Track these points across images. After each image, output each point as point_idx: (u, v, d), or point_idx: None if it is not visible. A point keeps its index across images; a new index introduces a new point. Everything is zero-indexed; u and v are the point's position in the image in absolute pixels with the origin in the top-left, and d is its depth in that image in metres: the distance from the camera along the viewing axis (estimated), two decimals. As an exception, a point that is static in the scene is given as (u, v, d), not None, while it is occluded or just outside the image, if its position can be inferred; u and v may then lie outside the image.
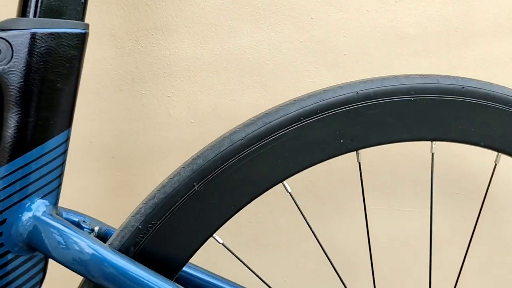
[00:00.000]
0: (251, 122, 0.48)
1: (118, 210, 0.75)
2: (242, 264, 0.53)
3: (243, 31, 0.71)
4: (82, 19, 0.44)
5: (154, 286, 0.42)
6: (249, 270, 0.54)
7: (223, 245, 0.50)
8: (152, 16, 0.70)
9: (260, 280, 0.55)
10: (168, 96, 0.73)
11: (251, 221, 0.80)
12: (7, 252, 0.42)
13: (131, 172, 0.75)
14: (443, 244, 0.81)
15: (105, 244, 0.43)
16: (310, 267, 0.82)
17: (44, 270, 0.44)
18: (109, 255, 0.42)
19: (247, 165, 0.48)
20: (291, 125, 0.47)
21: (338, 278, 0.58)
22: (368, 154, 0.76)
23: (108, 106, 0.72)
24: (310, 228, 0.54)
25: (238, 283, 0.59)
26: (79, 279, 0.46)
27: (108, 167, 0.75)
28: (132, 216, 0.46)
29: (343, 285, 0.58)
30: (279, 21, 0.71)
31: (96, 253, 0.42)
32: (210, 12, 0.70)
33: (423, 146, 0.56)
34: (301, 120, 0.47)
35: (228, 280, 0.58)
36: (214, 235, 0.49)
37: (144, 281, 0.42)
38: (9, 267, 0.42)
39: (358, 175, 0.52)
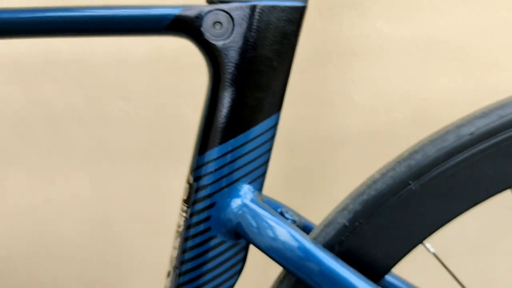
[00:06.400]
0: (482, 115, 0.41)
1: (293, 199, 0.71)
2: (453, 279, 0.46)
3: (445, 9, 0.62)
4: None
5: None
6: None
7: (434, 255, 0.43)
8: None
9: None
10: (353, 81, 0.67)
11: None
12: (213, 237, 0.40)
13: (308, 160, 0.71)
14: None
15: (312, 239, 0.40)
16: None
17: (244, 259, 0.42)
18: (317, 251, 0.38)
19: (474, 165, 0.40)
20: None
21: None
22: None
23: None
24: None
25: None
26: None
27: (284, 154, 0.72)
28: (338, 212, 0.42)
29: None
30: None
31: (304, 248, 0.38)
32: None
33: None
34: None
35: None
36: (424, 242, 0.42)
37: (350, 283, 0.38)
38: (213, 253, 0.41)
39: None
